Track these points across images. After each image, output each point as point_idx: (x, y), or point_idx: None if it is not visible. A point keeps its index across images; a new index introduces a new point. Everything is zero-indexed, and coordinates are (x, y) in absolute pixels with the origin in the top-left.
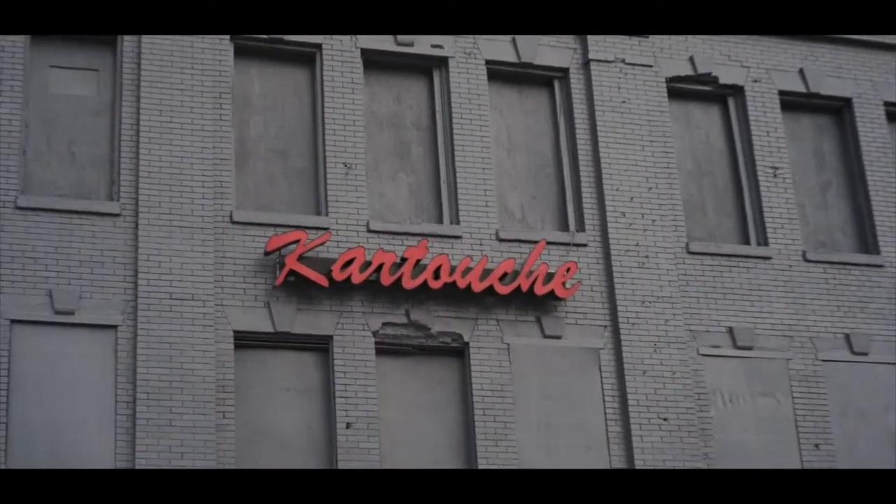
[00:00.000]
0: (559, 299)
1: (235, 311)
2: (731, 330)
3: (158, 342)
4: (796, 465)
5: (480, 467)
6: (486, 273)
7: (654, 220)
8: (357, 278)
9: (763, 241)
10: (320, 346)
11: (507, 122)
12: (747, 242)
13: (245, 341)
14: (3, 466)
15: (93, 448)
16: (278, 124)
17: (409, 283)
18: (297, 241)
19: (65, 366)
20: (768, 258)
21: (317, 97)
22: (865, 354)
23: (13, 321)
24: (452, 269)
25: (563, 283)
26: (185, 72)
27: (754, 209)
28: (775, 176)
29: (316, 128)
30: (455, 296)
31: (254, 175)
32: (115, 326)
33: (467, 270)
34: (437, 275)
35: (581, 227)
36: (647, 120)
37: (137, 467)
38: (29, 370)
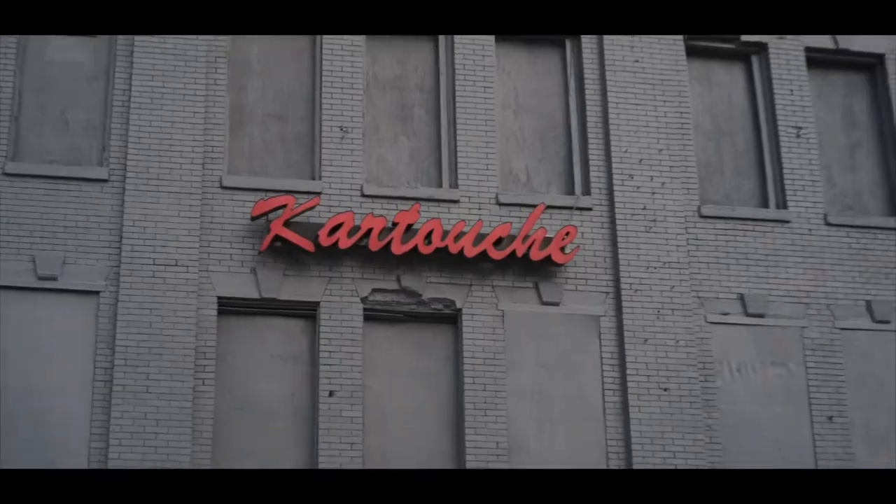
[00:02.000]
0: (558, 265)
1: (220, 276)
2: (742, 297)
3: (139, 308)
4: (807, 438)
5: (468, 437)
6: (481, 238)
7: (663, 183)
8: (345, 243)
9: (782, 204)
10: (307, 312)
11: (515, 83)
12: (766, 205)
13: (230, 307)
14: None
15: (70, 414)
16: (277, 88)
17: (398, 249)
18: (284, 206)
19: (46, 332)
20: (787, 222)
21: (316, 61)
22: (888, 322)
23: None
24: (445, 234)
25: (562, 248)
26: (180, 36)
27: (775, 171)
28: (798, 136)
29: (314, 92)
30: (449, 262)
31: (249, 140)
32: (97, 292)
33: (461, 235)
34: (428, 240)
35: (587, 191)
36: (660, 79)
37: (112, 434)
38: (11, 336)
